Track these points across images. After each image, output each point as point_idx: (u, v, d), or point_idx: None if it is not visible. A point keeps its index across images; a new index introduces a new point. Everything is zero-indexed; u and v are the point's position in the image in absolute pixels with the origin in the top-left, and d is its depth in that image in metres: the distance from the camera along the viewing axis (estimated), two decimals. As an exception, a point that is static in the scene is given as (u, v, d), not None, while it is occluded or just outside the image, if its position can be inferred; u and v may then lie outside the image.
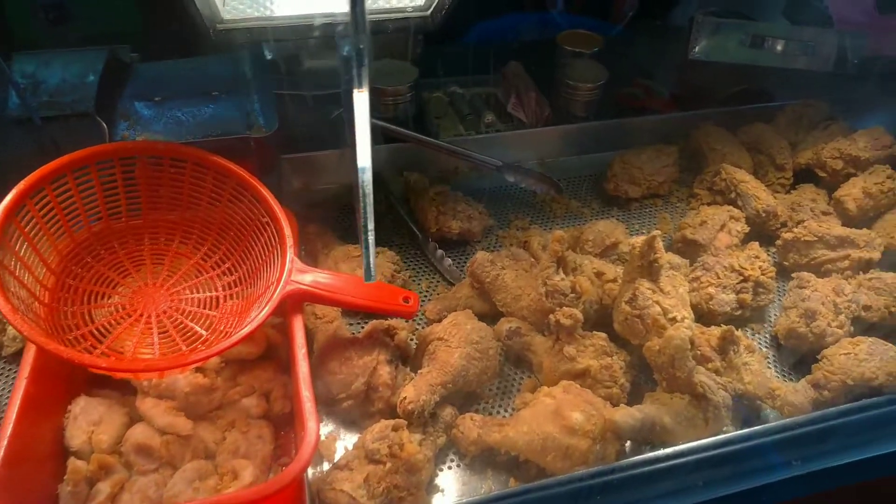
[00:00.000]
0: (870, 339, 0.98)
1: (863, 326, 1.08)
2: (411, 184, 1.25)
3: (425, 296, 1.13)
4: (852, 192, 1.19)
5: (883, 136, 1.26)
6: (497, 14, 1.96)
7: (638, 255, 0.98)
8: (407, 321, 1.03)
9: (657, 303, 0.96)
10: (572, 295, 1.01)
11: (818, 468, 0.91)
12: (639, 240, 0.98)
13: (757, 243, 1.14)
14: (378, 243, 1.20)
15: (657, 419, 0.87)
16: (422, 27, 0.88)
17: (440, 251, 1.16)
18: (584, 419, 0.87)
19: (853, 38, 1.37)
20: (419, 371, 0.95)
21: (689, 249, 1.15)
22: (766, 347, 1.08)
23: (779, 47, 1.35)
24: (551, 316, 0.97)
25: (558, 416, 0.88)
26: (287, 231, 0.96)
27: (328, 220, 1.24)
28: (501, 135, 1.36)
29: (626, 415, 0.85)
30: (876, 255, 1.12)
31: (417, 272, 1.17)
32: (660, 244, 0.97)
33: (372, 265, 0.72)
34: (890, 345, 0.98)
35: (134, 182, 0.96)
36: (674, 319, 0.95)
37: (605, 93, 1.48)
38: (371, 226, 0.70)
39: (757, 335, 1.10)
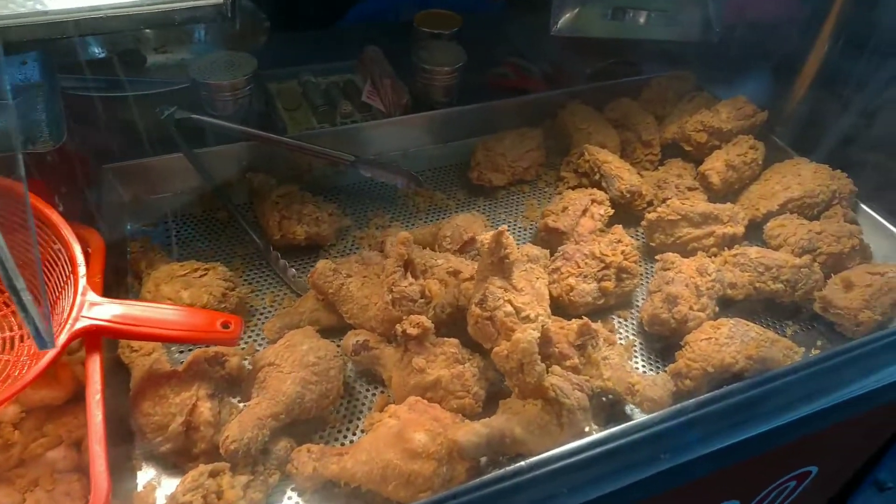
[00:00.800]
0: (731, 320, 0.94)
1: (730, 304, 1.04)
2: (255, 186, 1.14)
3: (269, 312, 1.02)
4: (716, 165, 1.15)
5: (745, 106, 1.23)
6: None
7: (487, 252, 0.90)
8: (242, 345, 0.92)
9: (509, 302, 0.88)
10: (421, 300, 0.92)
11: (687, 459, 0.87)
12: (487, 235, 0.90)
13: (620, 226, 1.08)
14: (218, 256, 1.08)
15: (507, 431, 0.80)
16: (217, 16, 0.77)
17: (283, 261, 1.05)
18: (429, 440, 0.79)
19: (715, 6, 1.33)
20: (247, 403, 0.84)
21: (553, 238, 1.09)
22: (633, 335, 1.02)
23: (641, 19, 1.29)
24: (398, 326, 0.88)
25: (400, 439, 0.79)
26: (79, 259, 0.83)
27: (159, 234, 1.11)
28: (358, 126, 1.26)
29: (468, 433, 0.77)
30: (740, 230, 1.09)
31: (262, 286, 1.06)
32: (509, 239, 0.90)
33: (40, 328, 0.54)
34: (752, 325, 0.94)
35: None
36: (527, 318, 0.88)
37: (472, 74, 1.40)
38: (20, 283, 0.52)
39: (625, 322, 1.04)
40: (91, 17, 0.71)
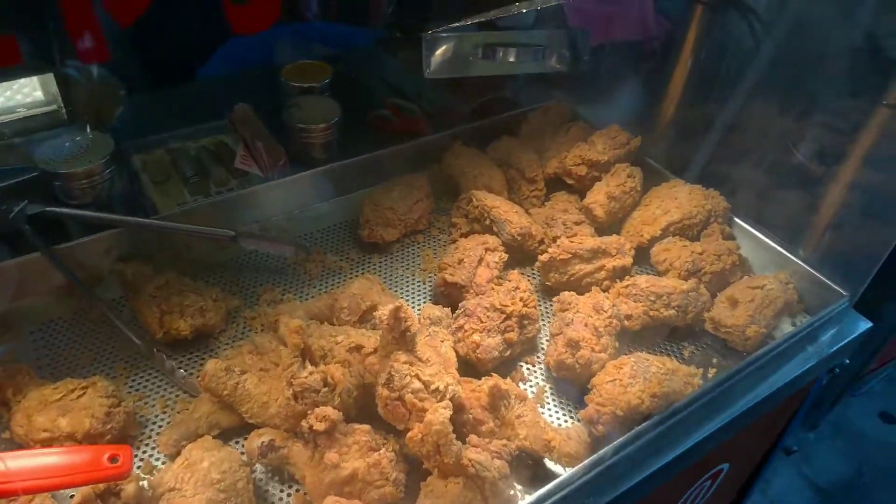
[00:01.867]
0: (632, 357, 0.97)
1: (629, 335, 1.08)
2: (128, 278, 1.04)
3: (163, 420, 0.94)
4: (598, 198, 1.19)
5: (619, 134, 1.27)
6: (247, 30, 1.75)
7: (387, 328, 0.87)
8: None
9: (416, 377, 0.86)
10: (325, 389, 0.88)
11: (612, 496, 0.89)
12: (385, 311, 0.87)
13: (516, 272, 1.09)
14: (97, 365, 0.99)
15: (432, 518, 0.78)
16: (55, 123, 0.69)
17: (169, 362, 0.97)
18: (353, 544, 0.75)
19: (581, 35, 1.37)
20: (150, 536, 0.77)
21: (452, 292, 1.08)
22: (542, 381, 1.03)
23: (511, 56, 1.30)
24: (303, 422, 0.84)
25: (323, 547, 0.75)
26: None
27: (24, 351, 0.99)
28: (235, 195, 1.19)
29: (391, 531, 0.75)
30: (628, 261, 1.12)
31: (151, 392, 0.97)
32: (407, 311, 0.87)
33: None
34: (651, 358, 0.97)
35: None
36: (437, 391, 0.86)
37: (351, 119, 1.37)
38: None
39: (533, 368, 1.05)
40: None
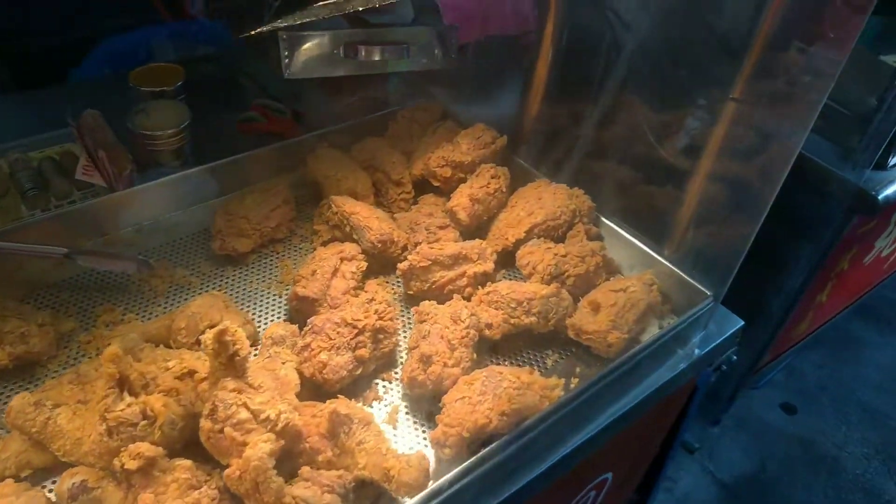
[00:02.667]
0: (484, 372, 0.93)
1: (491, 345, 1.05)
2: (-55, 307, 0.95)
3: (-28, 460, 0.86)
4: (461, 201, 1.15)
5: (484, 133, 1.24)
6: (125, 29, 1.64)
7: (212, 354, 0.81)
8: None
9: (244, 406, 0.80)
10: (144, 423, 0.81)
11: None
12: (209, 335, 0.81)
13: (374, 281, 1.05)
14: None
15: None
16: None
17: (-22, 398, 0.89)
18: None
19: (448, 31, 1.32)
20: None
21: (305, 306, 1.02)
22: (399, 399, 0.99)
23: (375, 55, 1.25)
24: (115, 461, 0.77)
25: None
26: None
27: None
28: (76, 208, 1.10)
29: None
30: (489, 267, 1.09)
31: (-37, 429, 0.89)
32: (236, 333, 0.81)
33: None
34: (505, 372, 0.94)
35: None
36: (267, 420, 0.80)
37: (216, 123, 1.29)
38: None
39: (389, 385, 1.01)
40: None
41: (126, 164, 1.13)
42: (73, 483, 0.80)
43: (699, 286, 1.08)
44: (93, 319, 1.03)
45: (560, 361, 1.07)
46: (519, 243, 1.15)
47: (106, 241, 1.12)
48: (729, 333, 1.15)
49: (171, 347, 0.96)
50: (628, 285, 1.09)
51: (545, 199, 1.16)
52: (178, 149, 1.18)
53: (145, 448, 0.77)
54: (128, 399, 0.82)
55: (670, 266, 1.13)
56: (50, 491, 0.83)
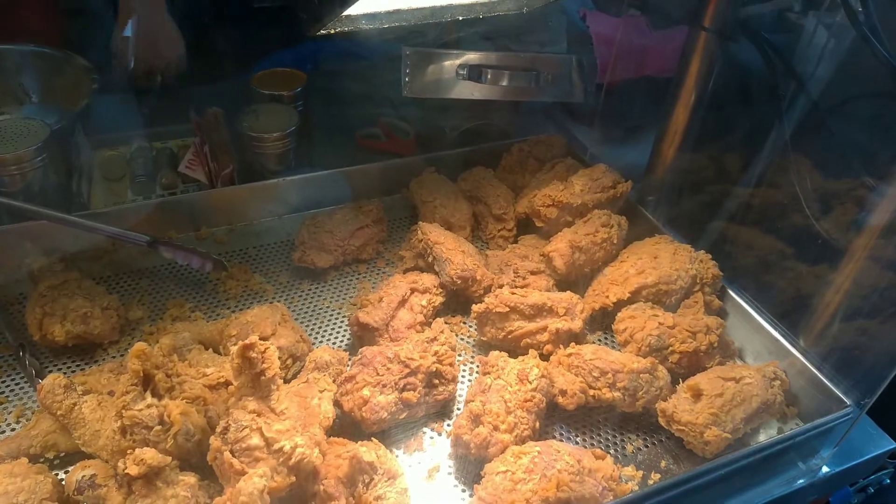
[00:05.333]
0: (539, 445, 0.78)
1: (565, 416, 0.89)
2: (34, 274, 0.99)
3: (11, 431, 0.86)
4: (559, 247, 1.01)
5: (605, 176, 1.09)
6: (296, 42, 1.74)
7: (236, 369, 0.75)
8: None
9: (259, 431, 0.73)
10: (159, 427, 0.76)
11: None
12: (236, 347, 0.75)
13: (441, 320, 0.94)
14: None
15: None
16: None
17: (30, 368, 0.90)
18: None
19: (588, 65, 1.20)
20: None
21: (366, 335, 0.94)
22: (446, 455, 0.86)
23: (503, 80, 1.16)
24: (119, 462, 0.73)
25: None
26: None
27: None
28: (172, 200, 1.13)
29: None
30: (577, 325, 0.94)
31: (13, 397, 0.89)
32: (266, 351, 0.75)
33: None
34: (564, 450, 0.78)
35: None
36: (280, 451, 0.72)
37: (338, 136, 1.28)
38: None
39: (436, 438, 0.88)
40: None
41: (229, 162, 1.14)
42: (83, 476, 0.76)
43: (837, 391, 0.85)
44: (161, 312, 1.02)
45: (643, 449, 0.88)
46: (620, 304, 0.98)
47: (198, 237, 1.13)
48: (872, 455, 0.90)
49: (219, 354, 0.92)
50: (743, 375, 0.88)
51: (662, 258, 0.99)
52: (282, 153, 1.17)
53: (150, 456, 0.72)
54: (149, 400, 0.77)
55: (804, 361, 0.90)
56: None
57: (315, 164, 1.23)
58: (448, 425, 0.90)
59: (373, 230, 1.11)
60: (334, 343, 1.00)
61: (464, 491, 0.82)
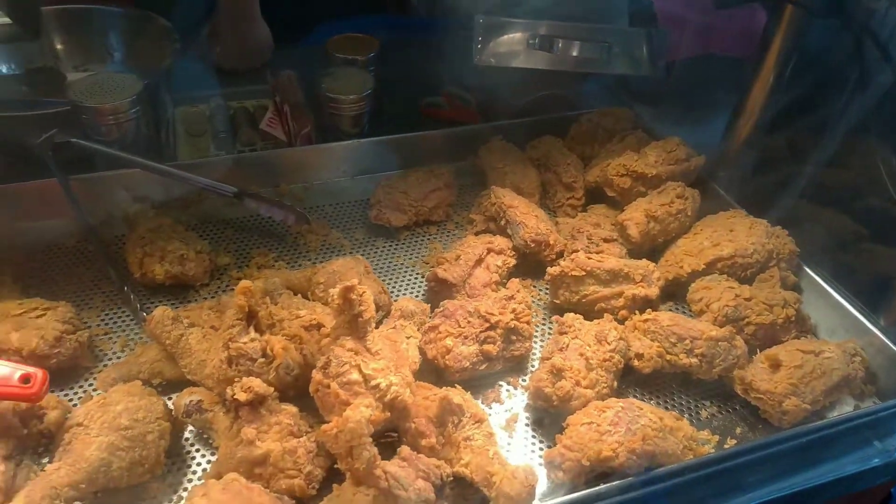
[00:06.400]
0: (621, 402, 0.81)
1: (637, 377, 0.91)
2: (129, 217, 1.04)
3: (118, 358, 0.91)
4: (634, 215, 1.02)
5: (678, 149, 1.10)
6: (353, 14, 1.77)
7: (336, 309, 0.79)
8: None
9: (357, 367, 0.76)
10: (262, 360, 0.81)
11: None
12: (336, 290, 0.78)
13: (517, 281, 0.96)
14: (78, 293, 0.99)
15: (324, 527, 0.68)
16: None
17: (136, 302, 0.95)
18: (231, 530, 0.67)
19: (658, 36, 1.21)
20: (45, 468, 0.74)
21: (442, 290, 0.97)
22: (521, 408, 0.89)
23: (573, 50, 1.18)
24: (227, 389, 0.77)
25: (201, 526, 0.68)
26: None
27: (22, 266, 1.01)
28: (252, 156, 1.17)
29: (267, 529, 0.65)
30: (653, 292, 0.95)
31: (117, 329, 0.95)
32: (363, 294, 0.78)
33: None
34: (646, 408, 0.80)
35: None
36: (377, 387, 0.76)
37: (403, 103, 1.31)
38: None
39: (514, 391, 0.91)
40: None
41: (307, 123, 1.18)
42: (191, 400, 0.81)
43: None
44: (247, 260, 1.06)
45: (717, 416, 0.90)
46: (694, 275, 1.00)
47: (275, 193, 1.17)
48: (952, 443, 0.89)
49: (307, 299, 0.96)
50: (823, 349, 0.89)
51: (738, 231, 1.00)
52: (356, 116, 1.20)
53: (257, 384, 0.76)
54: (252, 334, 0.82)
55: (884, 339, 0.91)
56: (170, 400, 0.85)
57: (382, 128, 1.27)
58: (523, 380, 0.93)
59: (444, 193, 1.14)
60: (408, 296, 1.03)
61: (541, 441, 0.85)
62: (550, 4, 1.27)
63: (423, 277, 1.06)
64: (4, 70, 1.36)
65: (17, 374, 0.74)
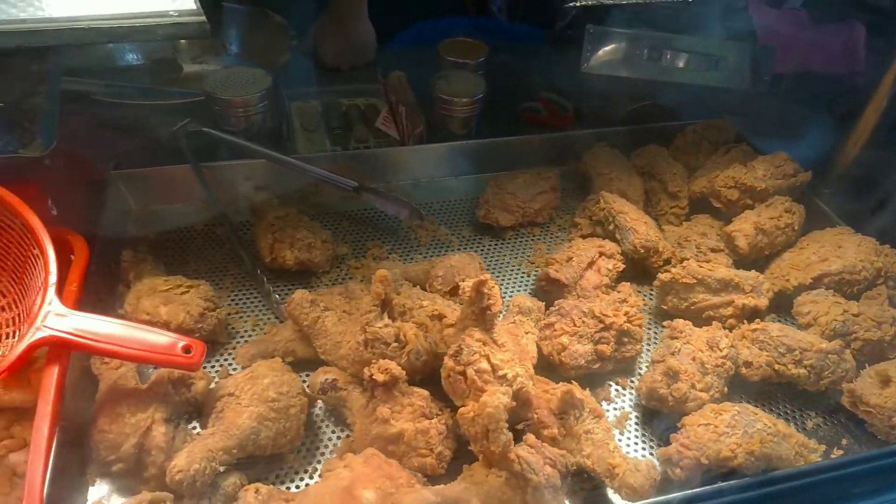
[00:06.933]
0: (737, 406, 0.84)
1: (744, 386, 0.94)
2: (256, 206, 1.11)
3: (250, 336, 0.98)
4: (743, 227, 1.05)
5: (786, 164, 1.12)
6: (436, 15, 1.83)
7: (468, 301, 0.84)
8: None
9: (486, 357, 0.81)
10: (395, 344, 0.86)
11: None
12: (469, 283, 0.84)
13: (628, 285, 1.00)
14: (210, 273, 1.07)
15: (462, 502, 0.73)
16: (200, 33, 0.75)
17: (268, 285, 1.02)
18: (377, 499, 0.72)
19: (764, 53, 1.23)
20: (201, 433, 0.81)
21: (553, 289, 1.01)
22: (629, 407, 0.93)
23: (680, 62, 1.21)
24: (365, 370, 0.83)
25: (348, 494, 0.73)
26: (52, 267, 0.81)
27: (157, 245, 1.09)
28: (368, 153, 1.23)
29: (416, 500, 0.71)
30: (762, 303, 0.98)
31: (247, 308, 1.02)
32: (493, 289, 0.83)
33: None
34: (761, 414, 0.83)
35: None
36: (504, 377, 0.80)
37: (503, 107, 1.35)
38: None
39: (623, 391, 0.95)
40: (69, 27, 0.69)
41: (419, 122, 1.23)
42: (325, 379, 0.87)
43: None
44: (363, 251, 1.13)
45: (823, 427, 0.92)
46: (801, 289, 1.02)
47: (386, 188, 1.22)
48: None
49: (425, 290, 1.01)
50: (934, 369, 0.90)
51: (846, 248, 1.02)
52: (467, 118, 1.25)
53: (394, 366, 0.82)
54: (387, 320, 0.88)
55: None
56: (303, 381, 0.91)
57: (484, 131, 1.32)
58: (632, 381, 0.96)
59: (549, 196, 1.18)
60: (514, 294, 1.07)
61: (650, 440, 0.89)
62: (656, 16, 1.30)
63: (528, 276, 1.11)
64: (131, 60, 1.45)
65: (181, 345, 0.81)
